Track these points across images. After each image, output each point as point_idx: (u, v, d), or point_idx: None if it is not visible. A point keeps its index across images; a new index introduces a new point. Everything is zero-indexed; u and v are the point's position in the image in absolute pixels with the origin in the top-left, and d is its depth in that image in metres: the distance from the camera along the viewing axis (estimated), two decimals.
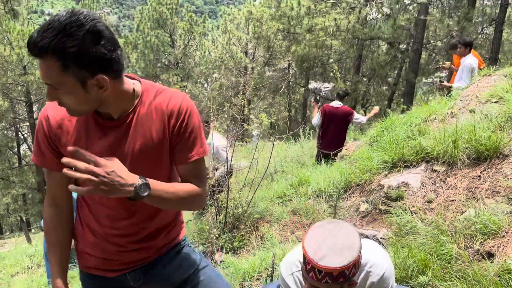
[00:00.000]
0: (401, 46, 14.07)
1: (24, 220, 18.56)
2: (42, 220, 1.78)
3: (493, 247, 2.39)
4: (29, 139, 20.70)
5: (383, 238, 3.00)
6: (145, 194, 1.23)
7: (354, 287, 1.44)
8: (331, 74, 18.16)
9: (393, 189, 3.40)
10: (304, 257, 1.41)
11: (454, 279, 2.25)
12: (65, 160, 1.16)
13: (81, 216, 1.56)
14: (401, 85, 15.99)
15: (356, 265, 1.38)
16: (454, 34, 11.45)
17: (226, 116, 4.87)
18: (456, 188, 3.12)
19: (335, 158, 5.21)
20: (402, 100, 14.39)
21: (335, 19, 11.98)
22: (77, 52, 1.15)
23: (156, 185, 1.29)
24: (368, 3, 12.13)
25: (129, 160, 1.37)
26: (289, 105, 19.36)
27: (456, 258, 2.40)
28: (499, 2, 11.28)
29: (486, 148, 3.22)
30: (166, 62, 20.33)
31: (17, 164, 20.92)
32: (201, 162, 1.47)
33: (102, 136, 1.37)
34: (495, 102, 4.03)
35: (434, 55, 15.88)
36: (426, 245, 2.57)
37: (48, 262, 1.58)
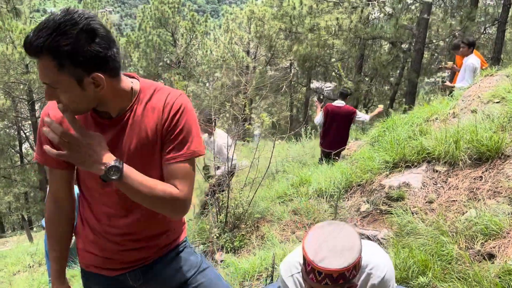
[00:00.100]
0: (403, 45, 14.04)
1: (26, 219, 18.62)
2: (43, 219, 1.79)
3: (494, 248, 2.38)
4: (31, 138, 20.73)
5: (384, 239, 2.99)
6: (114, 177, 1.21)
7: None
8: (333, 73, 18.13)
9: (394, 189, 3.40)
10: (304, 258, 1.41)
11: (455, 280, 2.25)
12: (47, 119, 1.17)
13: (81, 214, 1.57)
14: (403, 84, 15.96)
15: (356, 267, 1.38)
16: (456, 33, 11.43)
17: (227, 115, 4.86)
18: (457, 189, 3.11)
19: (336, 158, 5.20)
20: (404, 100, 14.36)
21: (337, 19, 11.96)
22: (71, 50, 1.16)
23: (132, 174, 1.27)
24: (370, 2, 12.10)
25: (125, 158, 1.38)
26: (291, 104, 19.36)
27: (457, 259, 2.40)
28: (502, 1, 11.24)
29: (487, 148, 3.21)
30: (168, 61, 20.32)
31: (19, 163, 20.96)
32: (187, 164, 1.39)
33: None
34: (497, 102, 4.02)
35: (436, 54, 15.84)
36: (427, 246, 2.56)
37: (49, 258, 1.60)
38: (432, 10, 13.18)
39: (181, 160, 1.38)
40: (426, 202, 3.15)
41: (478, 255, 2.40)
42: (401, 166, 3.67)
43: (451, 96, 5.16)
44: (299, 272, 1.62)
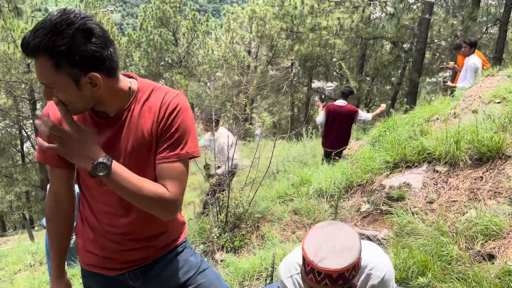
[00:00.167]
0: (404, 45, 14.03)
1: (27, 218, 18.67)
2: (44, 219, 1.81)
3: (494, 248, 2.38)
4: (32, 137, 20.77)
5: (384, 239, 2.99)
6: (102, 173, 1.23)
7: None
8: (334, 73, 18.12)
9: (394, 190, 3.40)
10: (304, 258, 1.40)
11: (454, 280, 2.24)
12: (39, 113, 1.21)
13: (82, 213, 1.58)
14: (404, 84, 15.95)
15: (356, 267, 1.37)
16: (458, 33, 11.41)
17: (228, 115, 4.87)
18: (458, 189, 3.10)
19: (337, 158, 5.20)
20: (405, 99, 14.35)
21: (338, 18, 11.96)
22: (67, 50, 1.16)
23: (121, 172, 1.27)
24: (371, 2, 12.09)
25: (122, 158, 1.38)
26: (292, 104, 19.35)
27: (457, 260, 2.40)
28: (504, 1, 11.22)
29: (488, 149, 3.21)
30: (169, 61, 20.34)
31: (20, 162, 21.01)
32: (180, 164, 1.37)
33: (98, 135, 1.38)
34: (498, 102, 4.01)
35: (438, 54, 15.83)
36: (427, 246, 2.56)
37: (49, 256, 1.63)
38: (434, 10, 13.17)
39: (174, 160, 1.37)
40: (426, 203, 3.14)
41: (478, 256, 2.40)
42: (402, 166, 3.67)
43: (452, 96, 5.16)
44: (298, 273, 1.62)
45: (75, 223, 1.65)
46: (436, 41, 14.41)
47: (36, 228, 15.04)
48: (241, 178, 4.77)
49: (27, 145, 21.94)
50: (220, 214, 3.99)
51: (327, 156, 5.62)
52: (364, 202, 3.60)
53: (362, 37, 13.21)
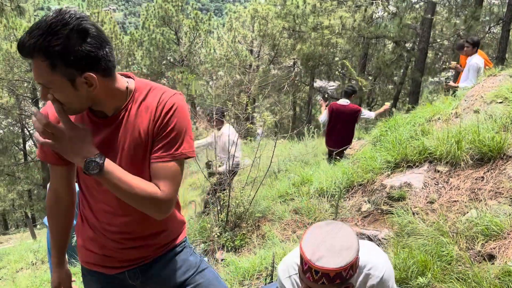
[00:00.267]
0: (407, 45, 14.00)
1: (29, 216, 18.73)
2: (46, 218, 1.84)
3: (494, 249, 2.37)
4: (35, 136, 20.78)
5: (385, 239, 2.99)
6: (94, 171, 1.25)
7: None
8: (336, 72, 18.09)
9: (395, 189, 3.39)
10: (301, 257, 1.40)
11: (454, 280, 2.24)
12: (34, 110, 1.22)
13: (81, 212, 1.59)
14: (407, 84, 15.92)
15: (353, 266, 1.37)
16: (460, 33, 11.38)
17: (230, 114, 4.88)
18: (459, 189, 3.10)
19: (337, 157, 5.20)
20: (407, 99, 14.32)
21: (340, 17, 11.93)
22: (62, 50, 1.17)
23: (114, 170, 1.29)
24: (374, 1, 12.07)
25: (119, 157, 1.39)
26: (294, 103, 19.34)
27: (457, 260, 2.39)
28: (507, 1, 11.17)
29: (489, 149, 3.20)
30: (172, 60, 20.36)
31: (22, 160, 21.08)
32: (174, 164, 1.38)
33: (96, 134, 1.39)
34: (500, 102, 4.00)
35: (440, 54, 15.79)
36: (427, 246, 2.55)
37: (51, 255, 1.68)
38: (437, 9, 13.14)
39: (168, 160, 1.37)
40: (427, 203, 3.14)
41: (478, 256, 2.39)
42: (403, 166, 3.67)
43: (454, 96, 5.14)
44: (297, 273, 1.61)
45: (75, 222, 1.66)
46: (438, 40, 14.37)
47: (38, 226, 15.07)
48: (242, 178, 4.78)
49: (29, 143, 21.99)
50: (221, 214, 4.00)
51: (331, 155, 5.62)
52: (365, 201, 3.59)
53: (364, 36, 13.19)
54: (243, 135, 4.45)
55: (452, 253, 2.43)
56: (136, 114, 1.38)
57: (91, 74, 1.23)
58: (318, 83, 19.73)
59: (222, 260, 3.55)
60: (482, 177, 3.10)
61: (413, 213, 3.03)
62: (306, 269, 1.38)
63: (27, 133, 21.19)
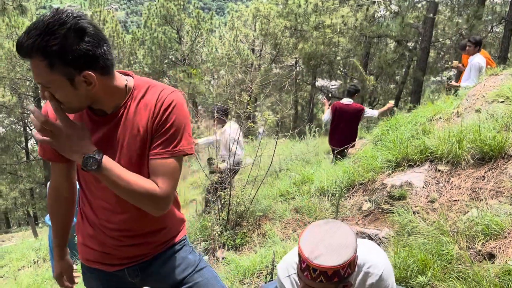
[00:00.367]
0: (409, 44, 13.97)
1: (31, 215, 18.78)
2: (47, 216, 1.87)
3: (494, 248, 2.37)
4: None
5: (385, 238, 2.99)
6: (92, 168, 1.26)
7: None
8: (338, 71, 18.07)
9: (396, 189, 3.39)
10: (300, 256, 1.41)
11: (454, 279, 2.24)
12: (31, 107, 1.24)
13: (81, 209, 1.61)
14: (408, 83, 15.90)
15: (351, 265, 1.37)
16: (463, 32, 11.35)
17: (232, 113, 4.89)
18: (460, 188, 3.09)
19: (338, 156, 5.19)
20: (409, 98, 14.30)
21: (342, 17, 11.92)
22: (60, 49, 1.18)
23: (112, 167, 1.30)
24: (376, 0, 12.05)
25: (118, 154, 1.40)
26: (296, 102, 19.32)
27: (457, 259, 2.39)
28: (509, 0, 11.14)
29: (490, 148, 3.19)
30: (173, 59, 20.36)
31: (25, 159, 21.13)
32: (173, 161, 1.38)
33: (95, 132, 1.40)
34: (502, 101, 3.99)
35: (442, 53, 15.75)
36: (427, 245, 2.55)
37: (53, 254, 1.73)
38: (439, 8, 13.12)
39: (166, 156, 1.37)
40: (428, 202, 3.14)
41: (479, 255, 2.39)
42: (404, 165, 3.66)
43: (456, 95, 5.13)
44: (296, 273, 1.62)
45: (75, 219, 1.68)
46: (440, 39, 14.35)
47: (40, 225, 15.12)
48: (243, 176, 4.78)
49: (31, 142, 22.07)
50: (222, 212, 4.00)
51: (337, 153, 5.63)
52: (366, 201, 3.59)
53: (366, 36, 13.17)
54: (244, 133, 4.45)
55: (452, 252, 2.43)
56: (135, 112, 1.39)
57: (89, 72, 1.23)
58: (319, 82, 19.72)
59: (222, 258, 3.56)
60: (483, 176, 3.09)
61: (414, 212, 3.03)
62: (304, 267, 1.38)
63: (29, 131, 21.25)
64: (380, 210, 3.36)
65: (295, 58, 17.86)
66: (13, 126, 20.61)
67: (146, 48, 19.30)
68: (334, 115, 5.82)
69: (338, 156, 5.20)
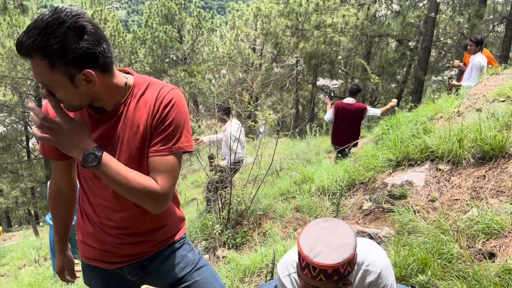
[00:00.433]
0: (410, 43, 13.96)
1: (32, 214, 18.79)
2: (48, 215, 1.88)
3: (495, 247, 2.37)
4: None
5: (385, 237, 2.99)
6: (92, 164, 1.26)
7: (349, 286, 1.43)
8: (339, 71, 18.05)
9: (396, 188, 3.39)
10: (299, 254, 1.41)
11: (454, 278, 2.24)
12: (30, 105, 1.25)
13: (81, 207, 1.61)
14: (409, 82, 15.88)
15: (351, 263, 1.37)
16: (464, 31, 11.34)
17: (232, 112, 4.90)
18: (460, 187, 3.09)
19: (339, 155, 5.19)
20: (410, 98, 14.29)
21: (343, 16, 11.91)
22: (60, 48, 1.18)
23: (111, 163, 1.30)
24: None
25: (118, 152, 1.40)
26: (297, 102, 19.31)
27: (457, 258, 2.39)
28: None
29: (491, 147, 3.19)
30: (174, 58, 20.37)
31: (26, 158, 21.16)
32: (172, 158, 1.38)
33: (95, 129, 1.40)
34: (503, 101, 3.99)
35: (443, 52, 15.73)
36: (427, 244, 2.55)
37: (53, 253, 1.75)
38: (440, 7, 13.09)
39: (166, 154, 1.38)
40: (428, 201, 3.13)
41: (479, 254, 2.39)
42: (404, 164, 3.66)
43: (457, 95, 5.13)
44: (296, 272, 1.62)
45: (75, 217, 1.68)
46: (442, 39, 14.32)
47: (41, 224, 15.14)
48: (244, 175, 4.78)
49: (32, 141, 22.07)
50: (222, 211, 4.00)
51: (339, 153, 5.62)
52: (366, 200, 3.59)
53: (367, 35, 13.16)
54: (245, 132, 4.45)
55: (452, 251, 2.43)
56: (135, 109, 1.39)
57: (90, 71, 1.24)
58: (320, 82, 19.71)
59: (223, 257, 3.56)
60: (484, 175, 3.09)
61: (414, 212, 3.03)
62: (304, 265, 1.38)
63: (31, 130, 21.28)
64: (380, 209, 3.36)
65: (296, 57, 17.84)
66: (14, 125, 20.62)
67: (147, 47, 19.32)
68: (337, 114, 5.82)
69: (339, 155, 5.20)
